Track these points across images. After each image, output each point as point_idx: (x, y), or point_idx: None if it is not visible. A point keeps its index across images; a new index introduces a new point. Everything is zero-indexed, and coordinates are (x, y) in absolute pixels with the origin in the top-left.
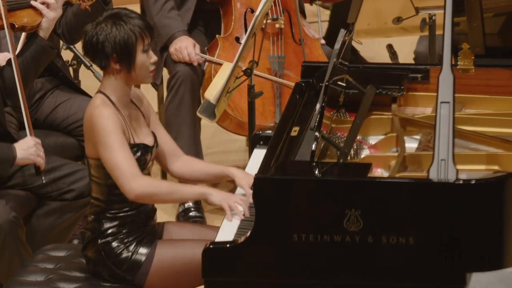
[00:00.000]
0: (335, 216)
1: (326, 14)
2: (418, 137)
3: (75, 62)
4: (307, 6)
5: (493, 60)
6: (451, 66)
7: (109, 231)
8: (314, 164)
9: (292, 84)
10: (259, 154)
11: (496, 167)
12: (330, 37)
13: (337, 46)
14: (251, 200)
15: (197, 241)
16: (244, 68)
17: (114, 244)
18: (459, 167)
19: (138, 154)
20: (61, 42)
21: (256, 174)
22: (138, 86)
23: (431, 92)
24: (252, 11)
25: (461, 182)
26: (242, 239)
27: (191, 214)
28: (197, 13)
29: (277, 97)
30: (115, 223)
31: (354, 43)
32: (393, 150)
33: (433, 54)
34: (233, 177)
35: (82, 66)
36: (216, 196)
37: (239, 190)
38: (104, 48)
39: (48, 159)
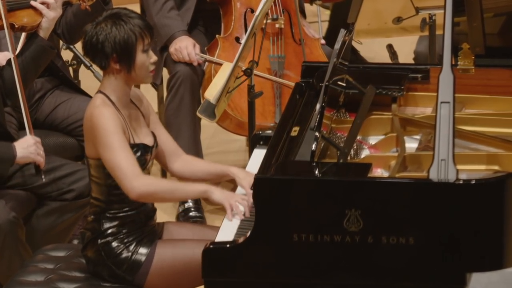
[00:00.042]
0: (335, 216)
1: (326, 14)
2: (418, 137)
3: (75, 62)
4: (307, 6)
5: (493, 60)
6: (451, 66)
7: (109, 231)
8: (314, 164)
9: (292, 84)
10: (259, 154)
11: (496, 167)
12: (330, 37)
13: (337, 46)
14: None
15: (197, 241)
16: (244, 68)
17: (114, 244)
18: (459, 167)
19: (138, 154)
20: (61, 42)
21: (256, 174)
22: (138, 86)
23: (431, 92)
24: (252, 11)
25: (461, 182)
26: (242, 239)
27: (191, 214)
28: (197, 13)
29: (277, 97)
30: (115, 223)
31: (354, 43)
32: (393, 150)
33: (433, 54)
34: (234, 176)
35: (82, 66)
36: (218, 194)
37: (239, 190)
38: (104, 48)
39: (48, 159)
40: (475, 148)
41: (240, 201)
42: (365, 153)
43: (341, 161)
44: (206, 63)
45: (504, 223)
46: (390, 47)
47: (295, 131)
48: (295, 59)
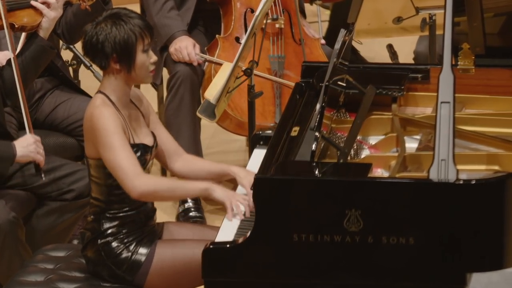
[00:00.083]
0: (335, 216)
1: (326, 14)
2: (418, 137)
3: (75, 62)
4: (307, 6)
5: (493, 60)
6: (451, 66)
7: (109, 231)
8: (314, 164)
9: (292, 84)
10: (259, 154)
11: (496, 167)
12: (330, 37)
13: (337, 46)
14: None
15: (197, 241)
16: (244, 68)
17: (114, 244)
18: (460, 167)
19: (138, 154)
20: (61, 42)
21: (256, 174)
22: (138, 86)
23: (431, 92)
24: (252, 11)
25: (461, 182)
26: (242, 239)
27: (191, 214)
28: (197, 13)
29: (277, 97)
30: (115, 223)
31: (354, 43)
32: (393, 150)
33: (433, 54)
34: (234, 175)
35: (82, 66)
36: (219, 192)
37: (240, 189)
38: (104, 48)
39: (48, 159)
40: (475, 148)
41: (241, 201)
42: (365, 153)
43: (341, 161)
44: (206, 63)
45: (504, 223)
46: (390, 47)
47: (295, 131)
48: (295, 59)
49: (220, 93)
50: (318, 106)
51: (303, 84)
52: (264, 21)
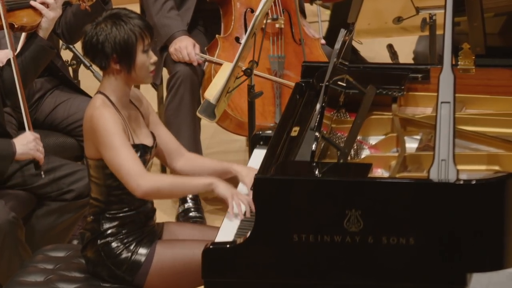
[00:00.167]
0: (335, 216)
1: (326, 14)
2: (418, 137)
3: (74, 62)
4: (307, 5)
5: (493, 60)
6: (451, 66)
7: (109, 231)
8: (314, 164)
9: (292, 84)
10: (259, 154)
11: (496, 168)
12: (330, 37)
13: (337, 46)
14: None
15: (197, 241)
16: (244, 68)
17: (114, 244)
18: (460, 167)
19: (138, 154)
20: (61, 42)
21: (256, 174)
22: (138, 86)
23: (431, 92)
24: (252, 11)
25: (461, 182)
26: (242, 239)
27: (191, 214)
28: (197, 13)
29: (277, 97)
30: (115, 223)
31: (354, 43)
32: (394, 150)
33: (434, 54)
34: (236, 173)
35: (82, 66)
36: (222, 188)
37: (241, 187)
38: (104, 48)
39: (48, 159)
40: (476, 148)
41: (242, 200)
42: (365, 153)
43: (341, 161)
44: (206, 63)
45: (505, 223)
46: (390, 47)
47: (295, 131)
48: (295, 59)
49: (220, 93)
50: (318, 106)
51: (303, 84)
52: (264, 21)
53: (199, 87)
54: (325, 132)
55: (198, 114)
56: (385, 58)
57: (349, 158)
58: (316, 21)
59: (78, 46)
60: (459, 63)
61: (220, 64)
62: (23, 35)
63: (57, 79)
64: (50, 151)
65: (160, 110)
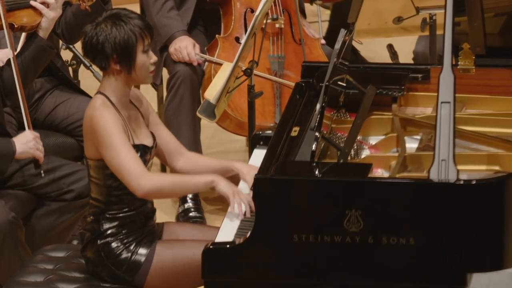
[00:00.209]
0: (335, 216)
1: (326, 14)
2: (418, 137)
3: (74, 62)
4: (307, 5)
5: (493, 60)
6: (451, 66)
7: (109, 231)
8: (314, 164)
9: (292, 84)
10: (259, 154)
11: (497, 168)
12: (330, 37)
13: (338, 46)
14: None
15: (197, 241)
16: (244, 68)
17: (114, 244)
18: (460, 167)
19: (138, 155)
20: (61, 42)
21: (256, 174)
22: (138, 87)
23: (431, 92)
24: (252, 11)
25: (461, 182)
26: (242, 239)
27: (191, 214)
28: (197, 13)
29: (277, 97)
30: (115, 223)
31: (354, 43)
32: (394, 150)
33: (434, 54)
34: (237, 171)
35: (82, 66)
36: (224, 185)
37: (241, 185)
38: (104, 48)
39: (48, 159)
40: (476, 148)
41: (244, 200)
42: (365, 153)
43: (341, 161)
44: (206, 63)
45: (505, 224)
46: (390, 47)
47: (295, 131)
48: (295, 59)
49: (220, 93)
50: (318, 106)
51: (303, 84)
52: (264, 21)
53: (199, 87)
54: (325, 132)
55: (198, 114)
56: (385, 58)
57: (349, 158)
58: (316, 21)
59: (78, 46)
60: (459, 63)
61: (220, 64)
62: (23, 35)
63: (57, 79)
64: (50, 151)
65: (160, 110)
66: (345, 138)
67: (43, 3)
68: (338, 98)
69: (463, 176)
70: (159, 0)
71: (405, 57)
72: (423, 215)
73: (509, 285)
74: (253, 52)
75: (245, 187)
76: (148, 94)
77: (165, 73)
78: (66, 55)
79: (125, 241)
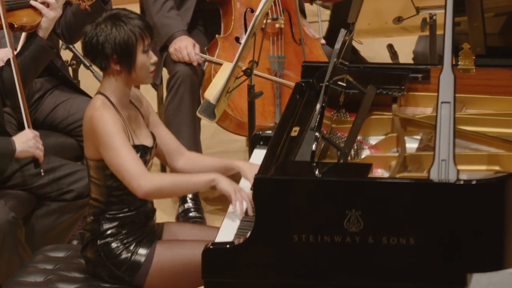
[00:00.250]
0: (335, 216)
1: (326, 14)
2: (418, 137)
3: (74, 62)
4: (307, 5)
5: (494, 60)
6: (451, 66)
7: (109, 231)
8: (314, 164)
9: (292, 84)
10: (259, 154)
11: (497, 168)
12: (330, 37)
13: (338, 46)
14: None
15: (197, 241)
16: (244, 68)
17: (114, 245)
18: (460, 167)
19: (138, 155)
20: (61, 42)
21: (256, 175)
22: (138, 87)
23: (431, 92)
24: (252, 11)
25: (462, 182)
26: (242, 239)
27: (191, 214)
28: (196, 13)
29: (277, 97)
30: (115, 223)
31: (354, 43)
32: (394, 151)
33: (434, 54)
34: (239, 169)
35: (82, 66)
36: (225, 184)
37: (242, 182)
38: (104, 49)
39: (48, 159)
40: (476, 149)
41: (245, 199)
42: (365, 153)
43: (341, 161)
44: (206, 63)
45: (505, 224)
46: (390, 47)
47: (295, 131)
48: (295, 59)
49: (220, 93)
50: (318, 106)
51: (303, 84)
52: (264, 21)
53: (199, 87)
54: (325, 132)
55: (198, 114)
56: (385, 58)
57: (349, 158)
58: (316, 21)
59: (78, 46)
60: (459, 63)
61: (220, 64)
62: (23, 35)
63: (57, 79)
64: (50, 151)
65: (160, 110)
66: (345, 138)
67: (43, 3)
68: (338, 98)
69: (463, 176)
70: (159, 0)
71: (405, 57)
72: (423, 215)
73: (509, 285)
74: (253, 52)
75: (246, 186)
76: (148, 94)
77: (165, 73)
78: (66, 55)
79: (125, 241)
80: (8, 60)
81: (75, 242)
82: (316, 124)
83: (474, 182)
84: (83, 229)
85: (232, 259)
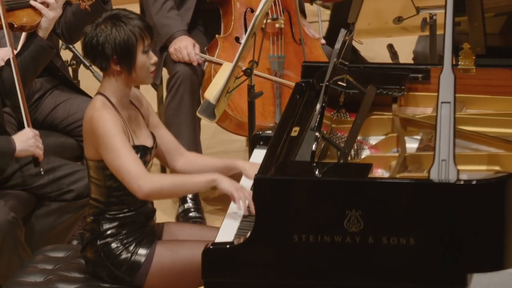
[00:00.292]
0: (335, 216)
1: (326, 13)
2: (418, 137)
3: (74, 62)
4: (307, 5)
5: (494, 60)
6: (452, 66)
7: (108, 232)
8: (314, 164)
9: (292, 84)
10: (259, 154)
11: (497, 168)
12: (330, 37)
13: (338, 46)
14: None
15: (197, 241)
16: (244, 68)
17: (114, 245)
18: (460, 167)
19: (138, 156)
20: (60, 42)
21: (256, 175)
22: (138, 87)
23: (431, 92)
24: (252, 11)
25: (462, 182)
26: (242, 239)
27: (190, 214)
28: (196, 13)
29: (277, 97)
30: (115, 224)
31: (354, 43)
32: (394, 151)
33: (434, 54)
34: (240, 169)
35: (82, 66)
36: (226, 183)
37: (243, 181)
38: (104, 49)
39: (48, 159)
40: (476, 149)
41: (246, 195)
42: (365, 153)
43: (341, 161)
44: (206, 63)
45: (505, 224)
46: (390, 47)
47: (295, 131)
48: (295, 59)
49: (220, 93)
50: (318, 106)
51: (303, 84)
52: (264, 21)
53: (199, 87)
54: (325, 132)
55: (198, 114)
56: (385, 58)
57: (349, 158)
58: (316, 21)
59: (78, 46)
60: (459, 63)
61: (220, 64)
62: (23, 34)
63: (57, 79)
64: (50, 151)
65: (160, 110)
66: (345, 138)
67: (43, 3)
68: (338, 98)
69: (463, 176)
70: (159, 0)
71: (405, 57)
72: (424, 215)
73: (509, 286)
74: (253, 52)
75: (247, 185)
76: (148, 94)
77: (165, 73)
78: (66, 55)
79: (125, 241)
80: (8, 60)
81: (75, 242)
82: (316, 124)
83: (474, 182)
84: (83, 229)
85: (232, 259)
